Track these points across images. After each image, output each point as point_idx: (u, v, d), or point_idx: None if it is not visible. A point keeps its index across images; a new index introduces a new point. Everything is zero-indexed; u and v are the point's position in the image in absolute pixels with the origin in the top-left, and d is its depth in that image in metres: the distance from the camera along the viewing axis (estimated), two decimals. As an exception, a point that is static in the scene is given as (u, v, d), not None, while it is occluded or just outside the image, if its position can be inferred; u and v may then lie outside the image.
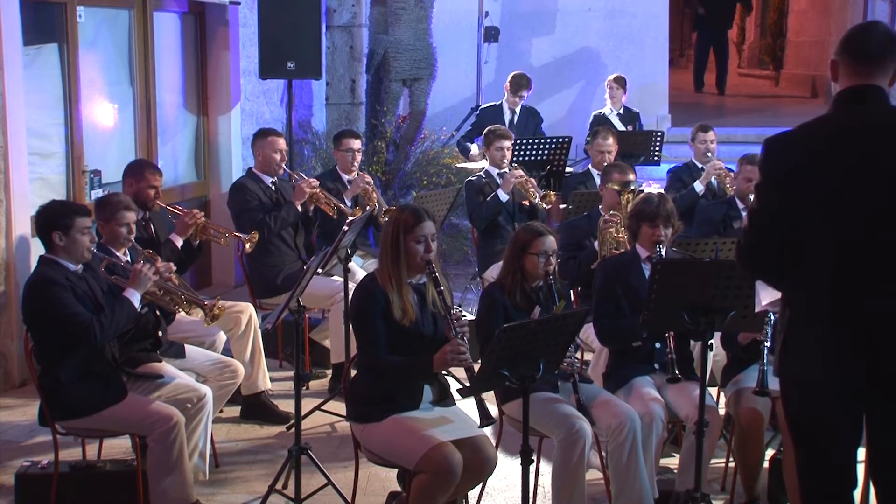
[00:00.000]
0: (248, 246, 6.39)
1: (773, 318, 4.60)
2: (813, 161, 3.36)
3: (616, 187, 6.10)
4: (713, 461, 5.08)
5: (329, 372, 6.79)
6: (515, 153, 7.99)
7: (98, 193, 6.98)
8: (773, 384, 4.52)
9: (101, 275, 4.89)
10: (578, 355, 5.52)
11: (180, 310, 5.30)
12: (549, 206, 7.41)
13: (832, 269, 3.33)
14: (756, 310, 4.29)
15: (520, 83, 9.48)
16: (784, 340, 3.45)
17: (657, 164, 9.28)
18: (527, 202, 7.42)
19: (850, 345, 3.31)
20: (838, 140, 3.36)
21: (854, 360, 3.31)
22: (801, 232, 3.37)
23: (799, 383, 3.43)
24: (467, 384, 4.18)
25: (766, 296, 4.04)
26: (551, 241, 4.81)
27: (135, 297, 4.81)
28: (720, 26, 17.60)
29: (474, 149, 9.32)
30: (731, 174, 7.48)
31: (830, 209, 3.33)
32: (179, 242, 6.06)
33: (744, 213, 6.50)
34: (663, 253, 4.99)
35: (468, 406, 4.45)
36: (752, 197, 6.43)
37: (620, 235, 5.85)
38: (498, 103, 9.68)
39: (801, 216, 3.36)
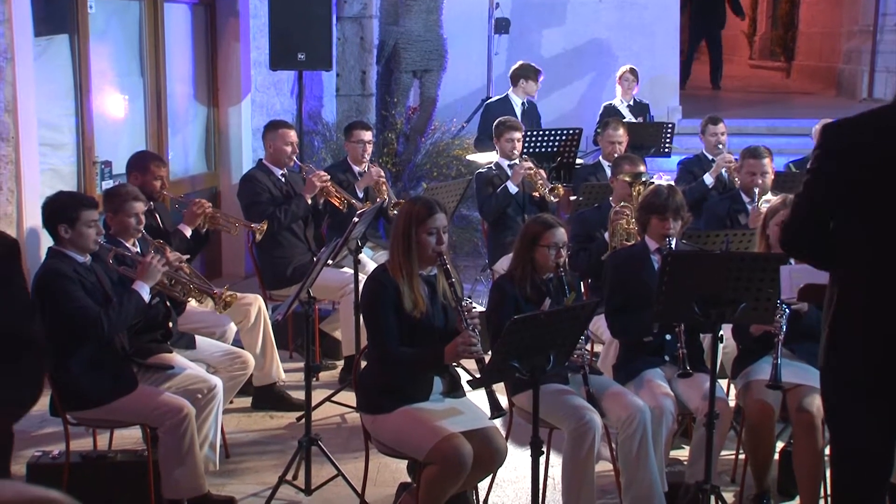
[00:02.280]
0: (257, 235, 6.39)
1: (786, 310, 4.60)
2: (862, 156, 3.31)
3: (627, 179, 6.09)
4: (723, 453, 5.08)
5: (339, 363, 6.80)
6: (526, 145, 7.98)
7: (109, 184, 6.98)
8: (785, 377, 4.53)
9: (110, 266, 4.89)
10: (589, 347, 5.51)
11: (191, 300, 5.30)
12: (557, 199, 7.40)
13: (887, 269, 3.30)
14: (782, 297, 4.27)
15: (534, 69, 9.49)
16: (830, 335, 3.42)
17: (668, 155, 9.26)
18: (537, 193, 7.41)
19: (891, 344, 3.29)
20: (888, 136, 3.31)
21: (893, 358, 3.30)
22: (853, 229, 3.34)
23: (842, 379, 3.41)
24: (478, 376, 4.18)
25: (787, 288, 4.02)
26: (561, 233, 4.80)
27: (144, 290, 4.80)
28: (713, 22, 17.42)
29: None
30: (742, 166, 7.44)
31: (884, 208, 3.29)
32: (188, 232, 6.07)
33: (749, 207, 6.45)
34: (673, 245, 4.98)
35: (478, 397, 4.45)
36: (756, 191, 6.43)
37: (631, 227, 5.84)
38: (504, 96, 9.66)
39: (854, 214, 3.33)
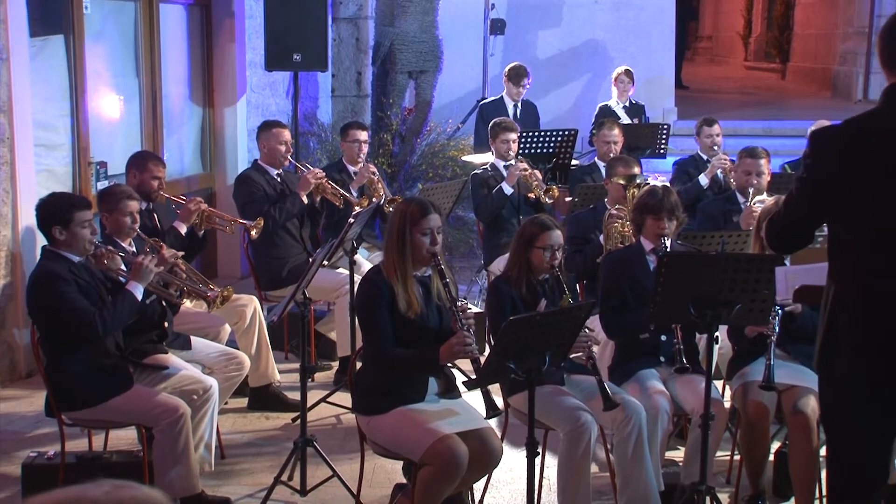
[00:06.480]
0: (253, 233, 6.37)
1: (779, 311, 4.60)
2: (857, 159, 3.32)
3: (622, 181, 6.09)
4: (718, 454, 5.08)
5: (335, 364, 6.80)
6: (521, 146, 7.98)
7: (104, 185, 6.98)
8: (779, 378, 4.54)
9: (105, 267, 4.88)
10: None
11: (185, 300, 5.29)
12: (552, 200, 7.40)
13: (879, 268, 3.30)
14: (777, 299, 4.28)
15: (519, 73, 9.48)
16: (825, 335, 3.42)
17: (663, 157, 9.27)
18: (532, 195, 7.41)
19: (889, 343, 3.29)
20: (880, 138, 3.32)
21: (890, 358, 3.30)
22: (847, 229, 3.34)
23: (837, 378, 3.41)
24: (473, 376, 4.18)
25: (783, 290, 4.03)
26: (558, 235, 4.80)
27: (137, 290, 4.77)
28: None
29: None
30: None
31: (878, 208, 3.30)
32: (183, 229, 6.06)
33: (744, 207, 6.46)
34: (668, 245, 4.99)
35: (474, 398, 4.45)
36: (751, 191, 6.44)
37: (626, 229, 5.84)
38: (498, 97, 9.66)
39: (847, 213, 3.33)
